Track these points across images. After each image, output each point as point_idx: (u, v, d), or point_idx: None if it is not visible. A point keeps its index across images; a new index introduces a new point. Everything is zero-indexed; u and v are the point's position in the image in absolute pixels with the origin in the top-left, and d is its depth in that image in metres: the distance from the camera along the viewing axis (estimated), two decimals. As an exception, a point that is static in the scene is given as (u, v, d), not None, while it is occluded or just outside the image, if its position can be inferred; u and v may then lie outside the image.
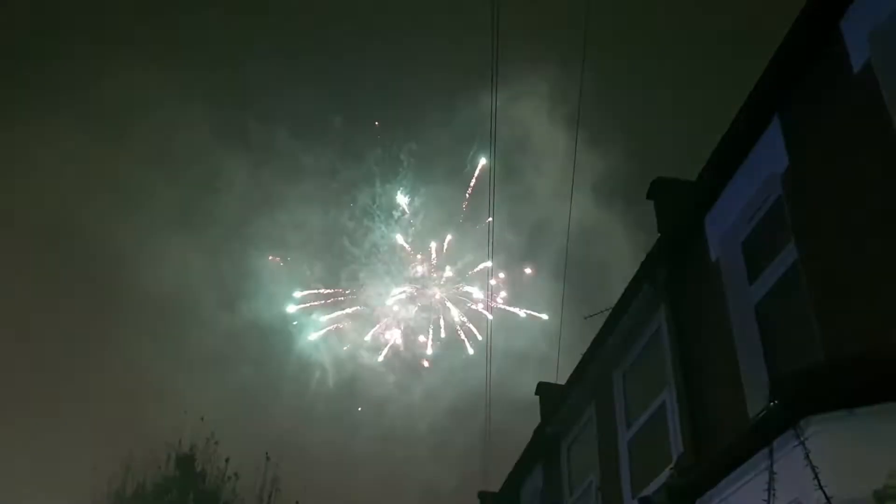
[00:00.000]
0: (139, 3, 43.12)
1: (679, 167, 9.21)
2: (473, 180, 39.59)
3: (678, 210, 8.40)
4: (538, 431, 13.13)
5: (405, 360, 42.66)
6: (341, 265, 42.23)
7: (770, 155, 6.61)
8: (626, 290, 9.29)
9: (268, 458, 17.39)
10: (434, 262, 41.71)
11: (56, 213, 39.08)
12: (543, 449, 12.77)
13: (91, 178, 39.51)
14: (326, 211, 42.00)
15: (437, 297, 41.40)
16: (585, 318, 12.40)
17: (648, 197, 9.48)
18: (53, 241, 38.91)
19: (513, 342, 38.99)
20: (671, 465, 7.84)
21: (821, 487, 4.22)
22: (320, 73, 43.20)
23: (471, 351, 40.70)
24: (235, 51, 42.82)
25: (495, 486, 15.86)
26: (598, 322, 10.27)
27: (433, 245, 41.33)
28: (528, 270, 41.04)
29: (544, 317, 38.62)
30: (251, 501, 16.96)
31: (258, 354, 42.69)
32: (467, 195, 40.51)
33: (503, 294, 40.12)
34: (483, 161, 38.03)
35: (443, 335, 41.46)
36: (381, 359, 41.98)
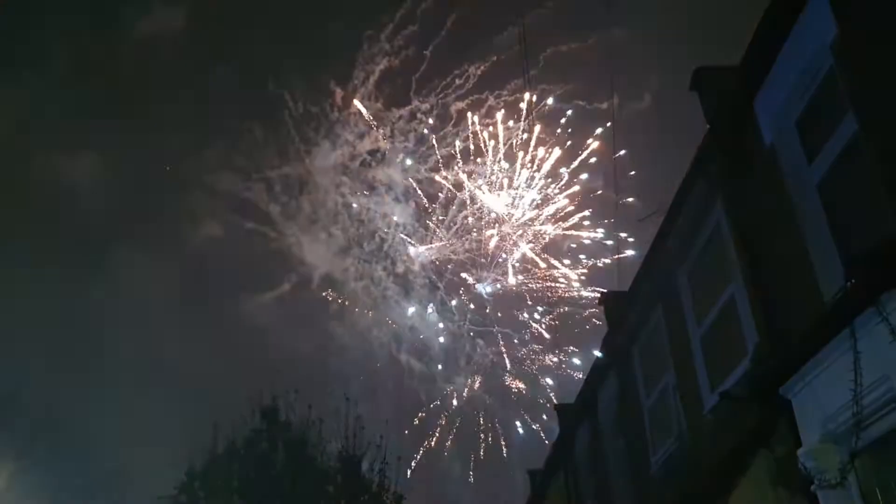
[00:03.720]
0: None
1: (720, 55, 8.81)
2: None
3: (725, 98, 8.11)
4: (607, 339, 13.18)
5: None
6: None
7: (816, 24, 6.27)
8: (680, 187, 9.10)
9: (347, 399, 17.80)
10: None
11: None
12: (615, 356, 12.82)
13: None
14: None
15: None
16: (639, 220, 12.23)
17: (692, 88, 9.17)
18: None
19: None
20: (748, 357, 7.79)
21: (910, 361, 4.14)
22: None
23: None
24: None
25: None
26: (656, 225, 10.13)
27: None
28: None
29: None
30: (338, 443, 17.43)
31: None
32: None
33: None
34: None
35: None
36: None
